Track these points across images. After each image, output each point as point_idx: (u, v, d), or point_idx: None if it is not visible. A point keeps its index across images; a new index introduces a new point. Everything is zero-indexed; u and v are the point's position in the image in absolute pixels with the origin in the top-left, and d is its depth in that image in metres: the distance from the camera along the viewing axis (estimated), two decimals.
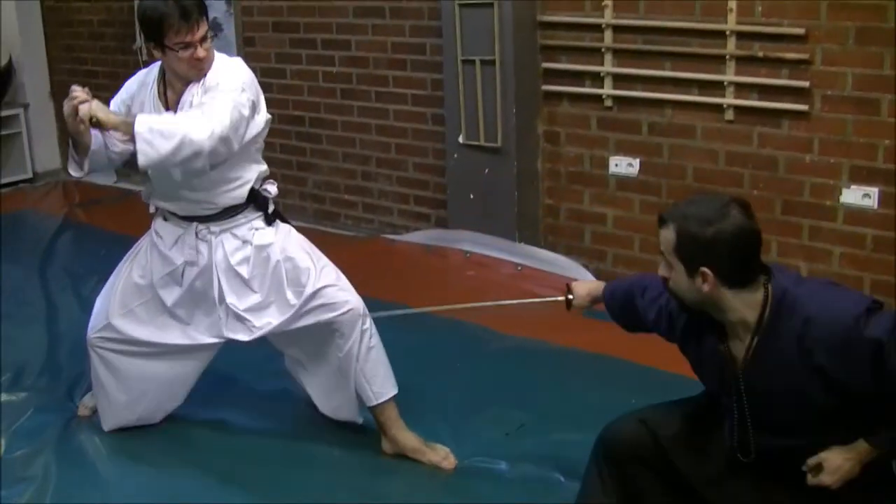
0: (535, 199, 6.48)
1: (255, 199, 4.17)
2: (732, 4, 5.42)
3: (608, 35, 5.91)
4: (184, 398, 4.57)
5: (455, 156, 6.58)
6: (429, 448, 4.28)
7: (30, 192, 9.07)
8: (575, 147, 6.23)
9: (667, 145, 5.87)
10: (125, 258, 4.44)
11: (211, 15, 7.48)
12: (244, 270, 4.15)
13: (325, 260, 4.27)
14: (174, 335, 4.33)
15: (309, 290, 4.12)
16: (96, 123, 3.77)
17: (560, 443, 4.31)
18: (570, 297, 3.79)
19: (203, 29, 3.86)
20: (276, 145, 7.77)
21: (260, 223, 4.19)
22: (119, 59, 8.69)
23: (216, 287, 4.16)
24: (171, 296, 4.26)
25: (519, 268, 6.33)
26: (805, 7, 5.25)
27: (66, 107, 3.81)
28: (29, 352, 5.42)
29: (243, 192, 4.12)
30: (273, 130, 7.62)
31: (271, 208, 4.25)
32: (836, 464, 2.90)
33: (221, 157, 3.87)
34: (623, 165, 6.05)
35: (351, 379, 4.24)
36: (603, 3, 5.86)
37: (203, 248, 4.16)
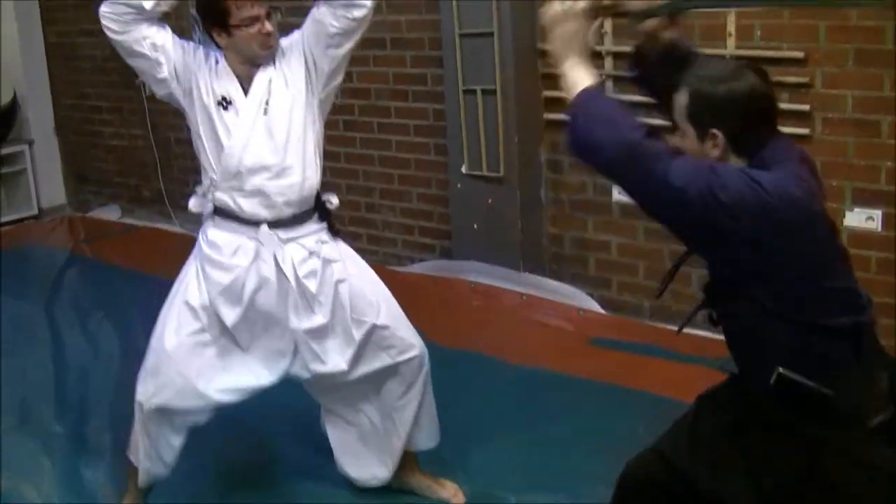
0: (539, 228, 6.45)
1: (321, 208, 3.96)
2: (731, 28, 5.41)
3: (608, 62, 5.90)
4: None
5: (458, 186, 6.57)
6: (438, 484, 4.24)
7: (35, 227, 9.04)
8: (578, 175, 6.21)
9: None
10: (166, 306, 4.00)
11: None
12: (312, 285, 3.85)
13: (388, 292, 4.10)
14: (244, 378, 3.97)
15: (370, 324, 3.94)
16: None
17: (567, 472, 4.31)
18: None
19: (267, 3, 3.73)
20: None
21: (326, 235, 3.98)
22: (123, 94, 8.68)
23: (289, 298, 3.86)
24: (231, 314, 3.87)
25: (524, 297, 6.30)
26: (804, 30, 5.24)
27: None
28: (34, 386, 5.41)
29: (312, 189, 3.89)
30: None
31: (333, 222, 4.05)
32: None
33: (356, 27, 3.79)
34: (624, 192, 6.01)
35: (402, 430, 4.08)
36: (602, 31, 5.84)
37: (267, 256, 3.84)
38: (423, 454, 4.31)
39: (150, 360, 3.95)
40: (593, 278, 6.33)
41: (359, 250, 7.32)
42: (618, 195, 6.05)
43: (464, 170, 6.45)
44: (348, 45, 3.84)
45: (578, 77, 2.93)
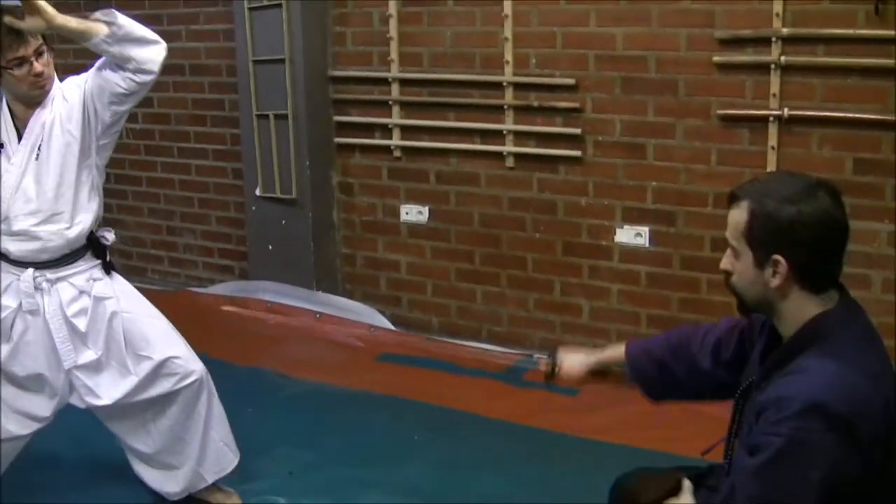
0: (332, 249, 6.50)
1: (94, 246, 3.84)
2: (509, 57, 5.56)
3: (395, 88, 6.00)
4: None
5: (253, 208, 6.57)
6: (216, 488, 4.22)
7: None
8: (368, 197, 6.29)
9: (453, 192, 5.96)
10: None
11: None
12: (81, 323, 3.80)
13: (165, 324, 4.00)
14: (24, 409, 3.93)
15: (155, 360, 3.85)
16: None
17: (339, 480, 4.35)
18: (554, 365, 3.04)
19: (37, 42, 3.54)
20: None
21: (98, 272, 3.86)
22: None
23: (55, 337, 3.80)
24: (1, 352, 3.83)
25: (318, 315, 6.33)
26: (575, 59, 5.42)
27: None
28: None
29: (82, 232, 3.77)
30: None
31: (108, 257, 3.92)
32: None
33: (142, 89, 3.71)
34: (413, 213, 6.12)
35: (191, 451, 4.02)
36: (389, 58, 5.94)
37: (37, 296, 3.77)
38: None
39: None
40: (384, 296, 6.40)
41: (161, 273, 7.39)
42: (405, 216, 6.15)
43: (258, 192, 6.45)
44: (131, 104, 3.79)
45: None
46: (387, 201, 6.22)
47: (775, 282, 2.35)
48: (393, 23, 5.88)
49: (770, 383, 2.36)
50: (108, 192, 7.43)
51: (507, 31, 5.53)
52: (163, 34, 6.79)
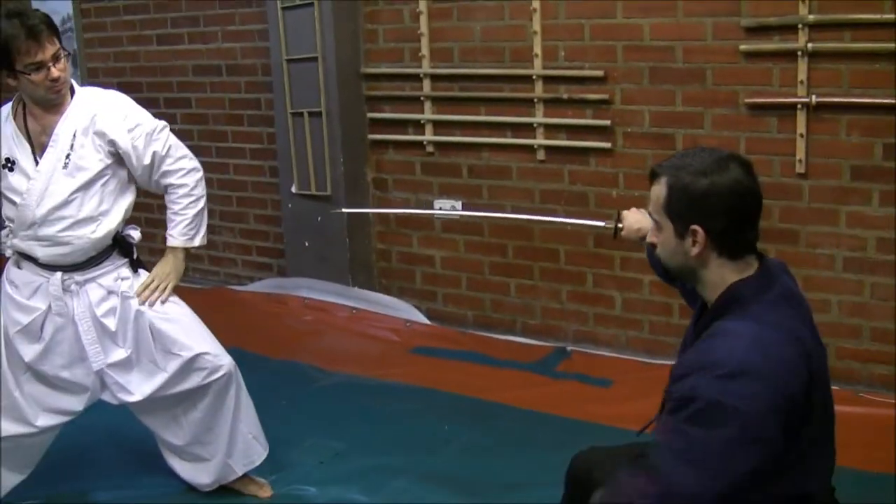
0: (367, 244, 6.53)
1: (120, 245, 3.89)
2: (538, 50, 5.56)
3: (426, 84, 6.01)
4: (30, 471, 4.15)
5: (289, 206, 6.62)
6: (248, 479, 4.26)
7: None
8: (402, 192, 6.30)
9: (486, 186, 5.97)
10: None
11: None
12: (111, 323, 3.86)
13: (192, 316, 4.05)
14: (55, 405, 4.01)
15: (184, 357, 3.90)
16: None
17: (368, 468, 4.37)
18: (620, 226, 3.20)
19: (54, 47, 3.56)
20: None
21: (126, 271, 3.91)
22: None
23: (83, 339, 3.87)
24: (30, 351, 3.89)
25: (354, 311, 6.35)
26: (603, 50, 5.41)
27: None
28: None
29: (108, 234, 3.82)
30: None
31: (135, 255, 3.97)
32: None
33: None
34: (447, 208, 6.13)
35: (220, 443, 4.07)
36: (420, 54, 5.96)
37: (66, 298, 3.84)
38: None
39: None
40: (420, 291, 6.42)
41: (202, 271, 7.45)
42: (439, 211, 6.16)
43: (293, 190, 6.49)
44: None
45: None
46: (420, 196, 6.23)
47: (695, 250, 2.45)
48: (423, 19, 5.90)
49: (691, 348, 2.48)
50: (148, 193, 7.56)
51: (536, 24, 5.53)
52: (200, 36, 6.94)
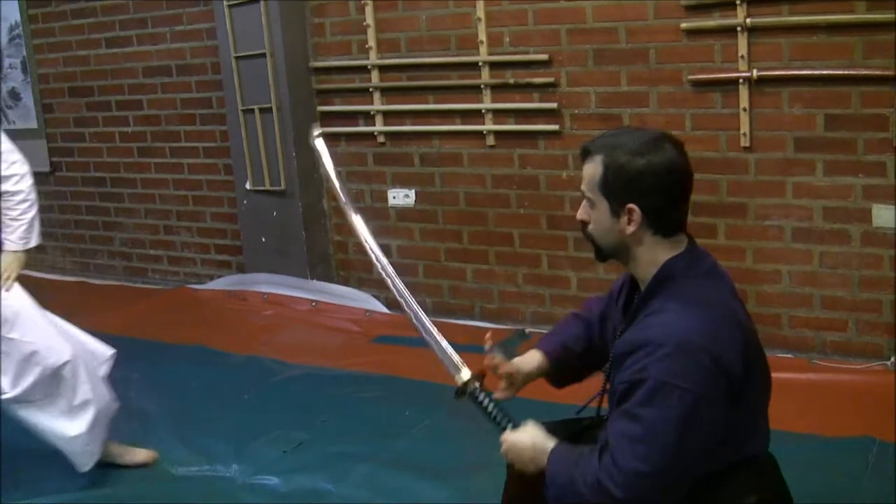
0: (324, 237, 6.50)
1: None
2: (483, 37, 5.55)
3: (375, 75, 5.99)
4: None
5: (245, 202, 6.58)
6: (131, 452, 4.30)
7: None
8: (356, 183, 6.28)
9: (438, 174, 5.96)
10: None
11: (8, 84, 7.44)
12: None
13: (28, 307, 4.01)
14: None
15: (24, 351, 3.90)
16: None
17: (332, 455, 4.33)
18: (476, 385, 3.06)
19: None
20: (81, 207, 7.71)
21: None
22: None
23: None
24: None
25: (314, 303, 6.33)
26: (548, 34, 5.41)
27: None
28: None
29: None
30: (78, 193, 7.63)
31: None
32: (512, 437, 2.63)
33: None
34: (400, 197, 6.12)
35: (82, 423, 4.03)
36: (367, 46, 5.94)
37: None
38: (199, 448, 4.45)
39: None
40: (378, 281, 6.28)
41: (161, 272, 7.40)
42: (393, 200, 6.15)
43: (248, 186, 6.46)
44: None
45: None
46: (374, 186, 6.22)
47: (630, 228, 2.43)
48: (369, 10, 5.88)
49: (631, 328, 2.46)
50: (104, 196, 7.56)
51: (480, 11, 5.53)
52: (149, 37, 6.89)
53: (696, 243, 2.53)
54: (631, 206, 2.40)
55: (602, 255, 2.58)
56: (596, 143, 2.49)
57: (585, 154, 2.50)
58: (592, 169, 2.46)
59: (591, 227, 2.53)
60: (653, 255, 2.46)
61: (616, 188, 2.42)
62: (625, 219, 2.42)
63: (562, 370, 2.97)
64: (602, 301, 2.90)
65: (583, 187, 2.51)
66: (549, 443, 2.54)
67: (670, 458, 2.29)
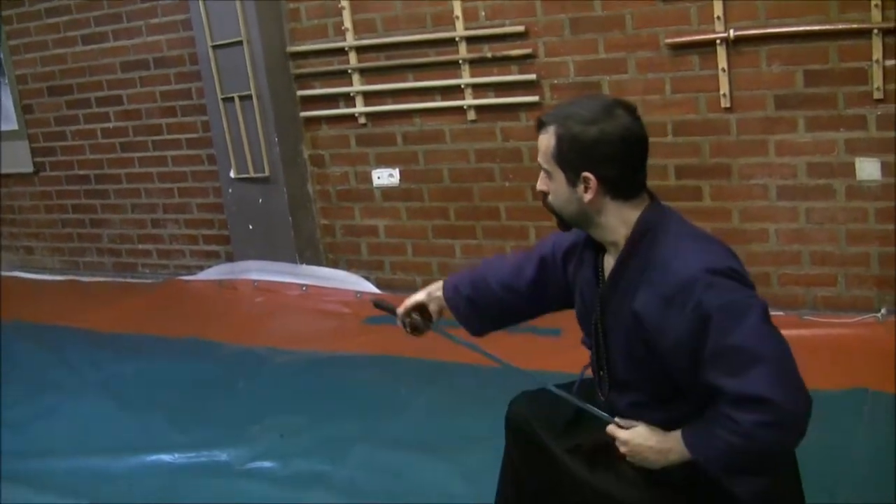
0: (311, 221, 6.45)
1: None
2: (459, 12, 5.50)
3: (353, 57, 5.94)
4: None
5: (230, 191, 6.52)
6: None
7: None
8: (339, 166, 6.23)
9: (421, 152, 5.91)
10: None
11: None
12: None
13: None
14: None
15: None
16: None
17: (329, 438, 4.29)
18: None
19: None
20: (67, 206, 7.64)
21: None
22: None
23: None
24: None
25: (304, 288, 6.29)
26: (523, 6, 5.37)
27: None
28: None
29: None
30: (63, 192, 7.57)
31: None
32: (631, 437, 2.49)
33: None
34: (385, 177, 6.07)
35: None
36: (344, 28, 5.88)
37: None
38: (193, 438, 4.40)
39: None
40: (367, 262, 6.36)
41: (151, 266, 7.35)
42: (378, 181, 6.10)
43: (232, 175, 6.40)
44: None
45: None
46: (358, 168, 6.17)
47: (588, 196, 2.43)
48: None
49: (638, 288, 2.42)
50: (90, 194, 7.49)
51: None
52: (124, 32, 6.82)
53: (657, 199, 2.53)
54: (587, 174, 2.42)
55: (565, 224, 2.58)
56: (549, 115, 2.50)
57: (540, 125, 2.50)
58: (546, 140, 2.47)
59: (550, 197, 2.54)
60: (619, 218, 2.47)
61: (570, 158, 2.43)
62: (581, 187, 2.44)
63: (473, 307, 3.04)
64: (524, 256, 2.91)
65: (539, 159, 2.52)
66: (666, 434, 2.46)
67: (779, 351, 2.31)
